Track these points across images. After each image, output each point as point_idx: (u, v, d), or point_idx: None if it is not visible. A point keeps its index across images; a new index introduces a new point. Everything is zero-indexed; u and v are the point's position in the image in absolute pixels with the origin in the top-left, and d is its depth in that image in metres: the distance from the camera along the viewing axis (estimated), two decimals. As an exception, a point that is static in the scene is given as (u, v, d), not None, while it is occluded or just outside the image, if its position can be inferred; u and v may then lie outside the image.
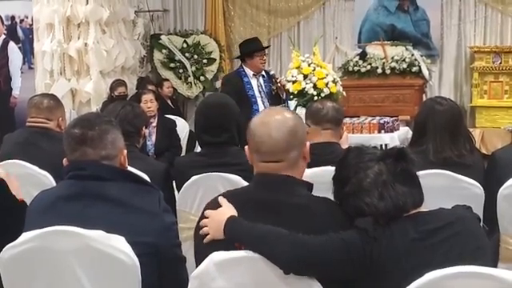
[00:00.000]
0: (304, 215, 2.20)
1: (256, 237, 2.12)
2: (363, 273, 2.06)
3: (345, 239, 2.08)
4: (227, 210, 2.24)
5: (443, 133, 3.47)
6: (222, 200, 2.28)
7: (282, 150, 2.25)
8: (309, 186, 2.36)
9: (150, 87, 8.04)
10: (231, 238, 2.16)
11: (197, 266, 2.19)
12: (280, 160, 2.25)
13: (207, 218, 2.26)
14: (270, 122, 2.28)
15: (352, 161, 2.25)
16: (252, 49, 6.27)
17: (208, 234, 2.24)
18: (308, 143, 2.35)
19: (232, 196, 2.32)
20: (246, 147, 2.37)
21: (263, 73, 6.27)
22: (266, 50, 6.65)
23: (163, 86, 8.90)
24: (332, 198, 2.33)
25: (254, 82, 6.18)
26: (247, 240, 2.13)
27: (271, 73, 6.28)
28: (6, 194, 2.86)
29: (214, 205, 2.31)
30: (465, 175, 3.32)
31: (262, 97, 6.14)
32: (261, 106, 5.95)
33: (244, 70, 6.24)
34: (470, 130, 7.14)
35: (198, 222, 2.33)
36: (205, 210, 2.33)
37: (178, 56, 9.93)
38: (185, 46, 10.03)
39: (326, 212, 2.24)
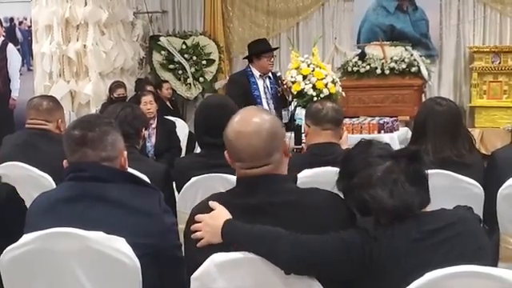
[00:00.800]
0: (295, 212, 2.19)
1: (256, 238, 2.12)
2: (363, 272, 2.07)
3: (344, 239, 2.09)
4: (222, 213, 2.21)
5: (443, 133, 3.47)
6: (213, 204, 2.25)
7: (265, 156, 2.22)
8: (294, 178, 2.35)
9: (149, 88, 8.04)
10: (230, 241, 2.15)
11: (189, 272, 2.18)
12: (264, 164, 2.23)
13: (198, 222, 2.23)
14: (247, 130, 2.23)
15: (360, 154, 2.24)
16: (260, 49, 6.25)
17: (201, 239, 2.20)
18: (287, 139, 2.33)
19: (219, 201, 2.28)
20: (226, 152, 2.33)
21: (270, 74, 6.24)
22: (274, 52, 6.62)
23: (162, 88, 8.90)
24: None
25: (260, 82, 6.16)
26: (247, 242, 2.13)
27: (278, 74, 6.25)
28: (15, 197, 2.88)
29: (203, 209, 2.27)
30: (464, 175, 3.32)
31: (267, 98, 6.12)
32: (265, 107, 5.95)
33: (251, 70, 6.23)
34: (470, 129, 7.11)
35: (187, 226, 2.28)
36: (192, 214, 2.30)
37: (177, 57, 9.94)
38: (184, 47, 10.03)
39: (318, 204, 2.22)
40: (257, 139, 2.21)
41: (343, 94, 6.81)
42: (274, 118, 2.34)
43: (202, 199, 2.43)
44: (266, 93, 6.14)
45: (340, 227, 2.13)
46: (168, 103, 8.84)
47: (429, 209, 2.18)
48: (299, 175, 3.02)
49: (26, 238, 2.23)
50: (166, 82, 9.30)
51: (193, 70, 9.92)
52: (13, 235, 2.34)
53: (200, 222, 2.22)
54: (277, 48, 6.69)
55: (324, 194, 2.27)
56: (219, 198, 2.31)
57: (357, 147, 2.30)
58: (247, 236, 2.14)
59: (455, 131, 3.50)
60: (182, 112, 9.79)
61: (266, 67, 6.16)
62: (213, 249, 2.16)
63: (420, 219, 2.11)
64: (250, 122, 2.25)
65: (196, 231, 2.22)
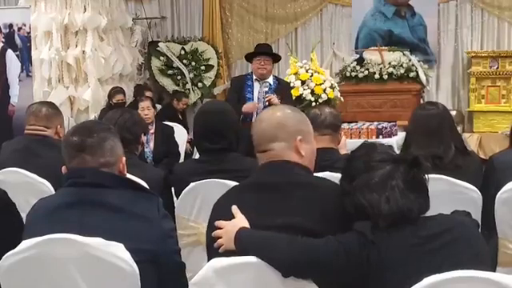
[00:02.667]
0: (306, 191, 2.28)
1: (256, 241, 2.14)
2: (361, 276, 2.07)
3: (342, 243, 2.09)
4: (239, 221, 2.26)
5: (421, 137, 3.49)
6: (235, 210, 2.30)
7: (266, 141, 2.37)
8: (307, 169, 2.43)
9: (148, 94, 8.04)
10: (240, 248, 2.18)
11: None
12: (266, 150, 2.37)
13: (220, 227, 2.28)
14: (264, 116, 2.46)
15: (363, 157, 2.25)
16: (253, 53, 6.26)
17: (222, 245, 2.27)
18: (300, 137, 2.39)
19: (238, 187, 2.49)
20: None
21: (270, 81, 6.11)
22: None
23: (180, 102, 8.89)
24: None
25: (256, 86, 6.10)
26: (250, 246, 2.15)
27: (265, 89, 6.12)
28: (9, 201, 2.87)
29: (223, 210, 2.35)
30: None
31: (258, 102, 6.06)
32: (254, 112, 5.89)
33: (251, 74, 6.23)
34: (468, 134, 7.11)
35: (210, 225, 2.38)
36: (214, 214, 2.40)
37: (176, 63, 9.95)
38: (182, 52, 10.04)
39: (329, 188, 2.32)
40: (264, 124, 2.41)
41: (341, 99, 6.83)
42: (294, 115, 2.46)
43: (201, 205, 2.46)
44: (259, 98, 6.07)
45: (341, 219, 2.20)
46: (179, 114, 8.82)
47: (426, 214, 2.18)
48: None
49: (24, 244, 2.23)
50: (187, 97, 9.27)
51: (191, 75, 9.94)
52: (7, 238, 2.34)
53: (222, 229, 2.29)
54: (270, 54, 6.44)
55: (331, 181, 2.39)
56: (237, 185, 2.53)
57: (360, 149, 2.32)
58: (250, 240, 2.17)
59: (434, 133, 3.50)
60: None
61: (257, 71, 6.11)
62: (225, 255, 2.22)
63: (417, 224, 2.12)
64: (271, 112, 2.48)
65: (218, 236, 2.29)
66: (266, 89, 6.11)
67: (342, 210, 2.22)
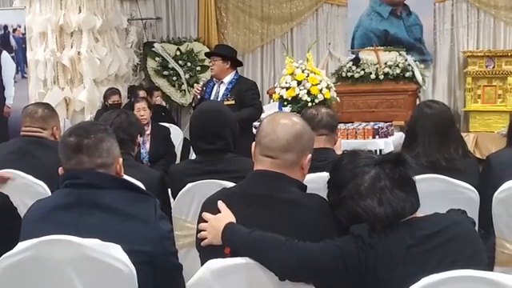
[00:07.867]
0: (293, 209, 2.25)
1: (253, 243, 2.14)
2: (358, 280, 2.07)
3: (340, 246, 2.10)
4: (225, 216, 2.27)
5: (431, 136, 3.46)
6: (221, 205, 2.31)
7: (280, 149, 2.32)
8: (301, 186, 2.40)
9: (142, 94, 8.03)
10: (228, 245, 2.19)
11: (202, 264, 2.23)
12: (275, 157, 2.33)
13: (206, 221, 2.30)
14: (280, 121, 2.38)
15: (347, 165, 2.25)
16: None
17: (206, 238, 2.29)
18: (310, 156, 2.38)
19: (226, 194, 2.41)
20: (254, 143, 2.44)
21: (226, 81, 6.06)
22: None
23: (152, 96, 8.87)
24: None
25: (215, 86, 6.13)
26: (244, 247, 2.15)
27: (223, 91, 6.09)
28: (10, 205, 2.87)
29: (212, 206, 2.34)
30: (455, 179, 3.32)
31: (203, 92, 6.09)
32: None
33: None
34: (464, 134, 7.12)
35: (198, 223, 2.38)
36: (202, 211, 2.38)
37: (172, 63, 9.94)
38: (178, 53, 10.04)
39: (316, 207, 2.28)
40: (282, 131, 2.34)
41: (337, 99, 6.81)
42: (309, 130, 2.46)
43: (198, 206, 2.46)
44: (214, 97, 6.03)
45: (332, 233, 2.18)
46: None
47: (422, 213, 2.18)
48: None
49: (21, 245, 2.22)
50: (157, 90, 9.24)
51: (187, 76, 9.93)
52: (8, 243, 2.33)
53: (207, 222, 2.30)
54: (217, 54, 6.33)
55: (324, 200, 2.33)
56: (228, 191, 2.46)
57: (342, 159, 2.32)
58: (245, 241, 2.16)
59: (445, 134, 3.49)
60: (176, 119, 9.78)
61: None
62: (213, 250, 2.22)
63: (413, 225, 2.12)
64: (286, 118, 2.42)
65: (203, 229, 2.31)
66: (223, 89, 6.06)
67: (327, 229, 2.21)
